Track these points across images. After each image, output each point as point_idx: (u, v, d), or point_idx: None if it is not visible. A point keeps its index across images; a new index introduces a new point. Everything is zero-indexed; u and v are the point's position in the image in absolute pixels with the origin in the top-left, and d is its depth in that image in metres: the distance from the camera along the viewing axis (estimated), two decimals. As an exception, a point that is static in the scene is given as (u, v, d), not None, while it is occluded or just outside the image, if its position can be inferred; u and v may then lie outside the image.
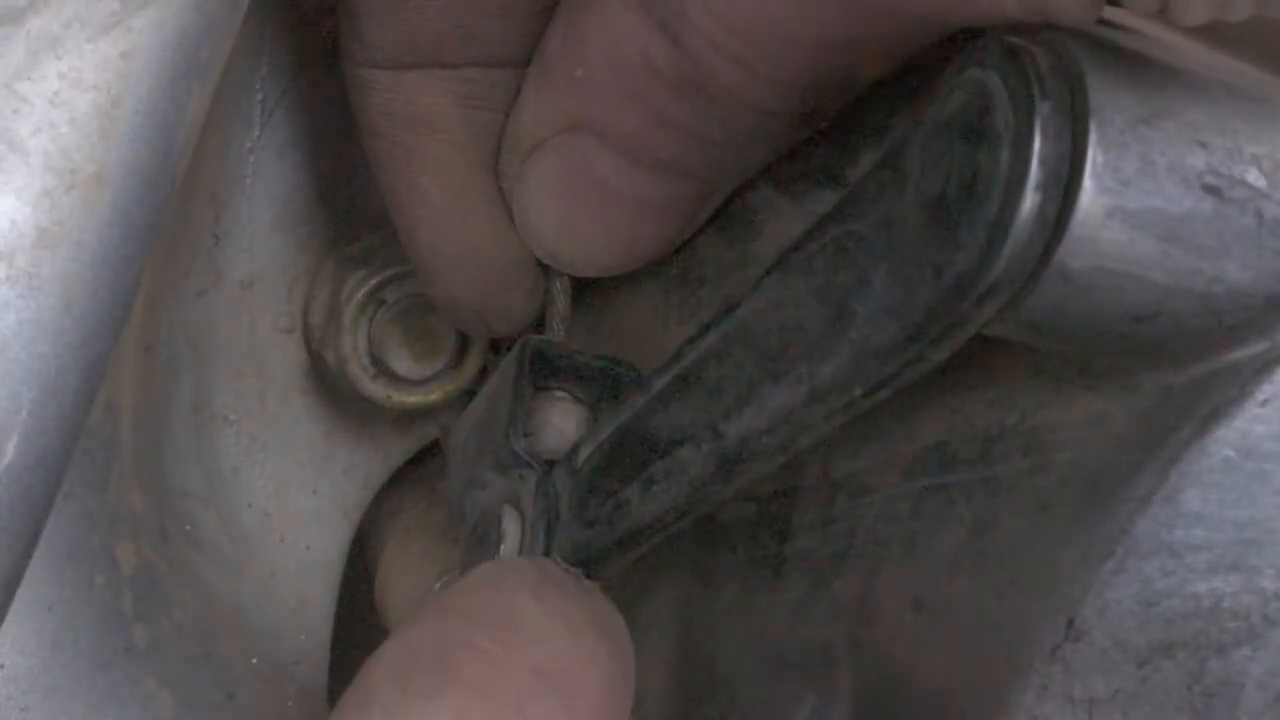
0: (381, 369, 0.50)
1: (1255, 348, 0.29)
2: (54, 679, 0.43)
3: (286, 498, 0.52)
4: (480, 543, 0.43)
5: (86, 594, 0.44)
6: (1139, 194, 0.28)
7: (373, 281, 0.50)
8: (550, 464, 0.41)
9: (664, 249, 0.42)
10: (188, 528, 0.50)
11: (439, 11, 0.41)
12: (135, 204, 0.34)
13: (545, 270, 0.45)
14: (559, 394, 0.44)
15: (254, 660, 0.50)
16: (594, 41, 0.38)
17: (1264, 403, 0.29)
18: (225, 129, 0.48)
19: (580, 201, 0.41)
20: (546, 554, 0.40)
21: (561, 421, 0.43)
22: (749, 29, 0.35)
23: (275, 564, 0.52)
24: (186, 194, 0.47)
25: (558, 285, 0.46)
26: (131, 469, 0.47)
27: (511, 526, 0.41)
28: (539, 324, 0.46)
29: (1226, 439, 0.29)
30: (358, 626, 0.54)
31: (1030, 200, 0.27)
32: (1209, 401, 0.30)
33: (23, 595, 0.36)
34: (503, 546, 0.41)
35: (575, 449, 0.41)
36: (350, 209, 0.51)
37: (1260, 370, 0.29)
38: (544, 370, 0.43)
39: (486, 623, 0.34)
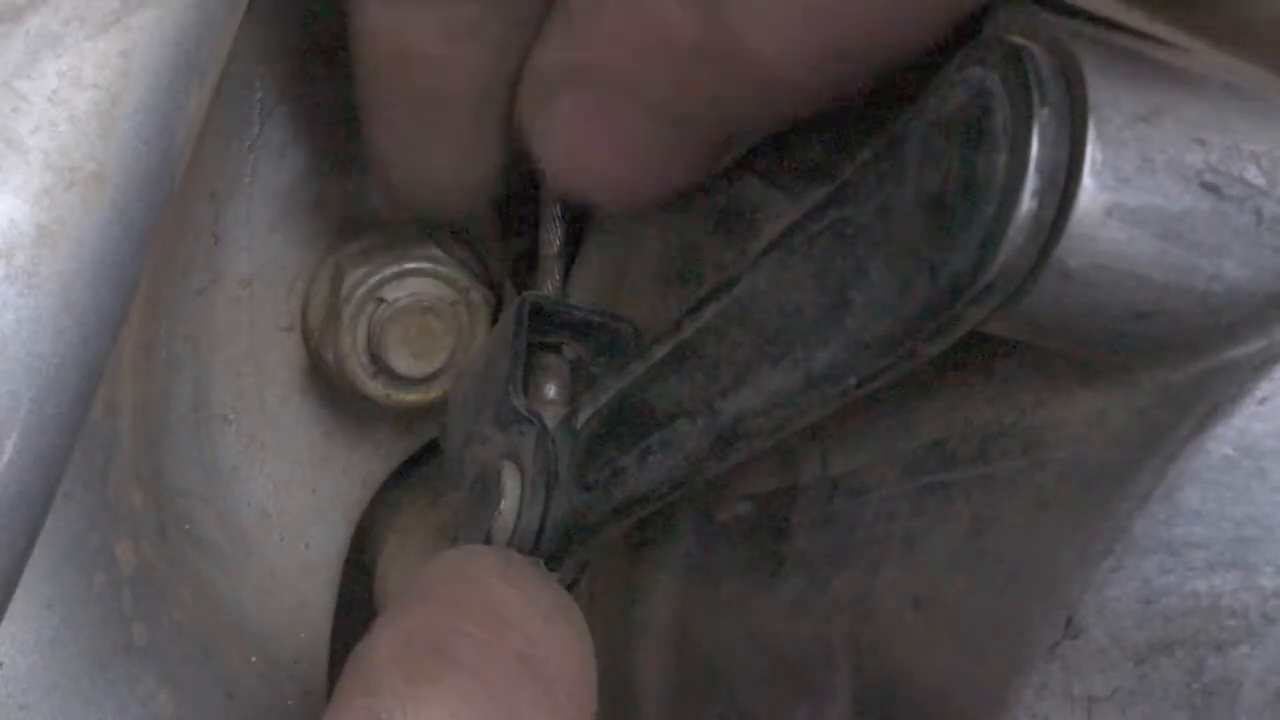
0: (380, 367, 0.50)
1: (1254, 345, 0.29)
2: (53, 677, 0.43)
3: (286, 496, 0.52)
4: (481, 498, 0.43)
5: (86, 592, 0.44)
6: (1138, 192, 0.28)
7: (372, 280, 0.50)
8: (548, 429, 0.42)
9: (679, 190, 0.42)
10: (187, 526, 0.50)
11: None
12: (134, 202, 0.34)
13: (541, 220, 0.46)
14: (557, 351, 0.44)
15: (253, 658, 0.50)
16: (612, 4, 0.38)
17: (1263, 400, 0.29)
18: (225, 128, 0.48)
19: (598, 143, 0.41)
20: (545, 513, 0.41)
21: (559, 378, 0.44)
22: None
23: (275, 563, 0.52)
24: (186, 192, 0.48)
25: (554, 233, 0.46)
26: (131, 467, 0.47)
27: (511, 482, 0.42)
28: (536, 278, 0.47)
29: (1225, 437, 0.29)
30: (357, 625, 0.54)
31: (1026, 206, 0.27)
32: (1208, 399, 0.29)
33: (22, 593, 0.36)
34: (503, 503, 0.42)
35: (575, 410, 0.41)
36: (349, 208, 0.51)
37: (1259, 368, 0.29)
38: (542, 325, 0.44)
39: (471, 610, 0.35)
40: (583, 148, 0.41)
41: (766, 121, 0.39)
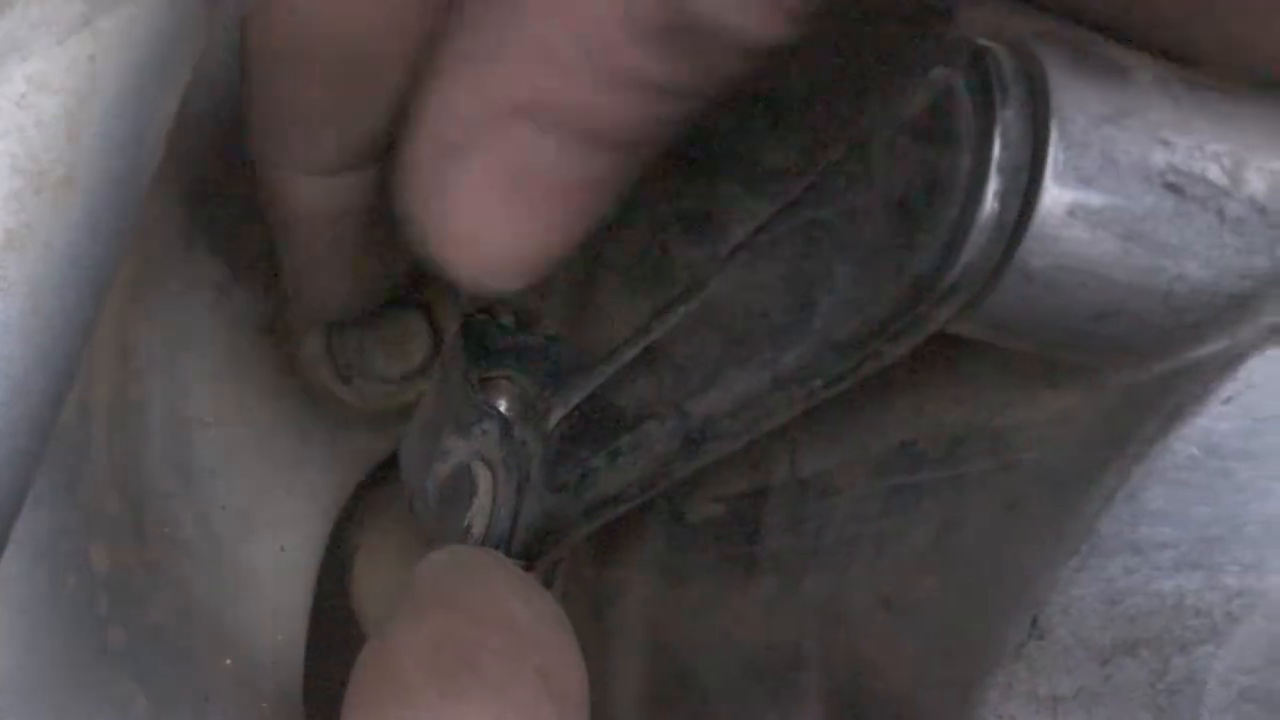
0: (356, 369, 0.50)
1: (1218, 345, 0.29)
2: (28, 681, 0.43)
3: (262, 498, 0.52)
4: (452, 497, 0.43)
5: (60, 596, 0.44)
6: (1100, 193, 0.28)
7: (348, 282, 0.50)
8: (508, 419, 0.42)
9: (590, 234, 0.38)
10: (164, 529, 0.50)
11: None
12: (105, 206, 0.34)
13: None
14: (500, 376, 0.44)
15: (229, 661, 0.50)
16: (541, 6, 0.34)
17: (1227, 400, 0.29)
18: (199, 129, 0.48)
19: (519, 208, 0.36)
20: (517, 511, 0.41)
21: (508, 395, 0.44)
22: None
23: (251, 565, 0.52)
24: (160, 195, 0.47)
25: None
26: (106, 471, 0.47)
27: (483, 472, 0.42)
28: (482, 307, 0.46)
29: (1190, 437, 0.29)
30: (334, 627, 0.54)
31: (989, 207, 0.28)
32: (1172, 399, 0.30)
33: (-6, 598, 0.36)
34: (475, 498, 0.42)
35: (547, 412, 0.41)
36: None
37: (1223, 368, 0.29)
38: (485, 351, 0.44)
39: (491, 621, 0.35)
40: (499, 212, 0.36)
41: (695, 116, 0.35)
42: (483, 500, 0.42)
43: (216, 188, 0.49)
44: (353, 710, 0.33)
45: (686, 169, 0.42)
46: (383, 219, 0.39)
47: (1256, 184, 0.28)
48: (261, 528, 0.52)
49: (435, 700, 0.32)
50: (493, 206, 0.36)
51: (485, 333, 0.44)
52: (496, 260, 0.36)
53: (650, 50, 0.33)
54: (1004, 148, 0.28)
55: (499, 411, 0.42)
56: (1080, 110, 0.28)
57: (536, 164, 0.35)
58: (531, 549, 0.41)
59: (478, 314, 0.45)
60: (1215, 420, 0.29)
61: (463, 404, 0.42)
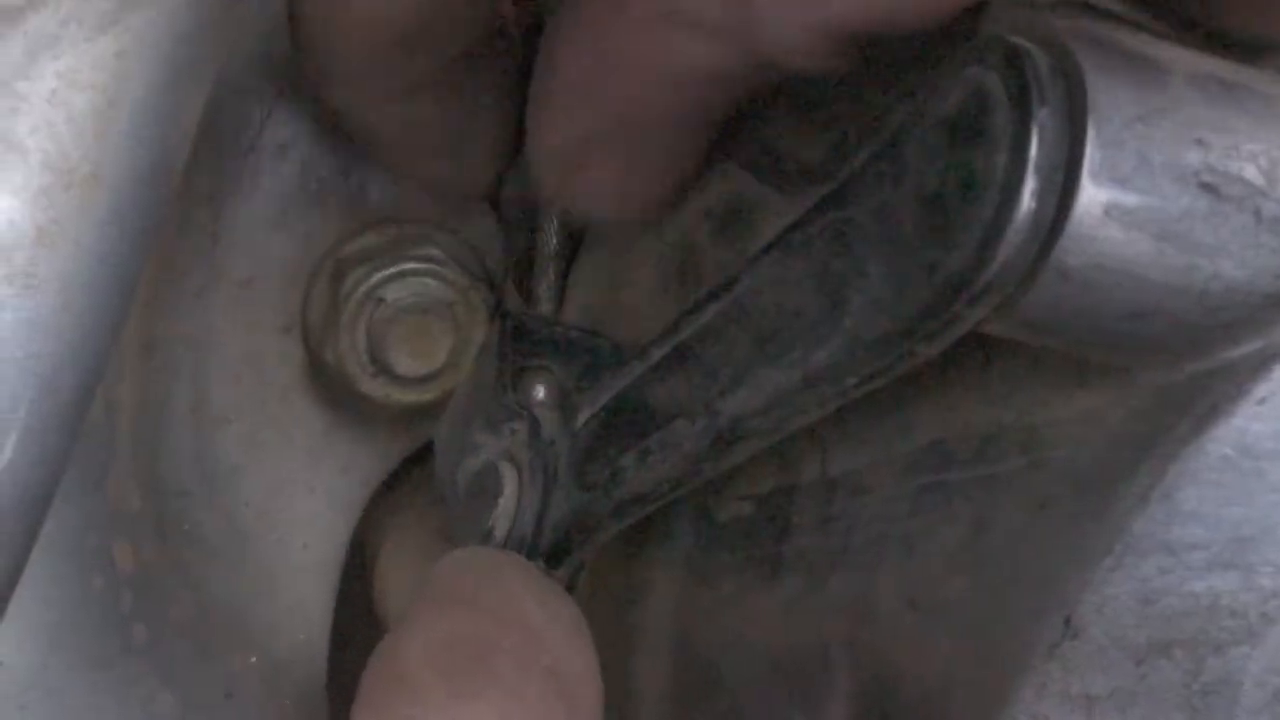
0: (380, 367, 0.50)
1: (1252, 346, 0.29)
2: (52, 678, 0.43)
3: (285, 497, 0.52)
4: (478, 497, 0.43)
5: (85, 593, 0.44)
6: (1136, 192, 0.28)
7: (371, 280, 0.50)
8: (539, 419, 0.42)
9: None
10: (186, 527, 0.50)
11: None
12: (132, 203, 0.34)
13: (539, 221, 0.46)
14: (542, 372, 0.44)
15: (253, 659, 0.50)
16: (626, 60, 0.38)
17: (1261, 401, 0.29)
18: (224, 128, 0.48)
19: (637, 146, 0.40)
20: (543, 511, 0.41)
21: (547, 385, 0.44)
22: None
23: (273, 563, 0.52)
24: (185, 193, 0.47)
25: (551, 233, 0.46)
26: (130, 468, 0.47)
27: (509, 479, 0.42)
28: (526, 299, 0.47)
29: (1224, 437, 0.29)
30: (356, 626, 0.54)
31: (1025, 206, 0.27)
32: (1206, 400, 0.29)
33: (21, 594, 0.36)
34: (500, 500, 0.42)
35: (575, 410, 0.41)
36: (349, 208, 0.51)
37: (1257, 368, 0.29)
38: (526, 345, 0.44)
39: (506, 621, 0.35)
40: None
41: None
42: (507, 503, 0.42)
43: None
44: (363, 707, 0.33)
45: (714, 167, 0.42)
46: None
47: (1293, 184, 0.28)
48: (283, 526, 0.52)
49: (445, 699, 0.32)
50: (617, 155, 0.40)
51: (526, 323, 0.44)
52: (622, 199, 0.41)
53: (723, 82, 0.37)
54: (1040, 147, 0.27)
55: (529, 412, 0.42)
56: (1116, 109, 0.28)
57: (640, 158, 0.40)
58: (559, 548, 0.41)
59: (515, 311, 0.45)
60: (1249, 420, 0.29)
61: (494, 400, 0.43)
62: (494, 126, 0.46)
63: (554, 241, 0.46)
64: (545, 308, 0.46)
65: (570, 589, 0.42)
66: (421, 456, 0.54)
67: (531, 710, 0.33)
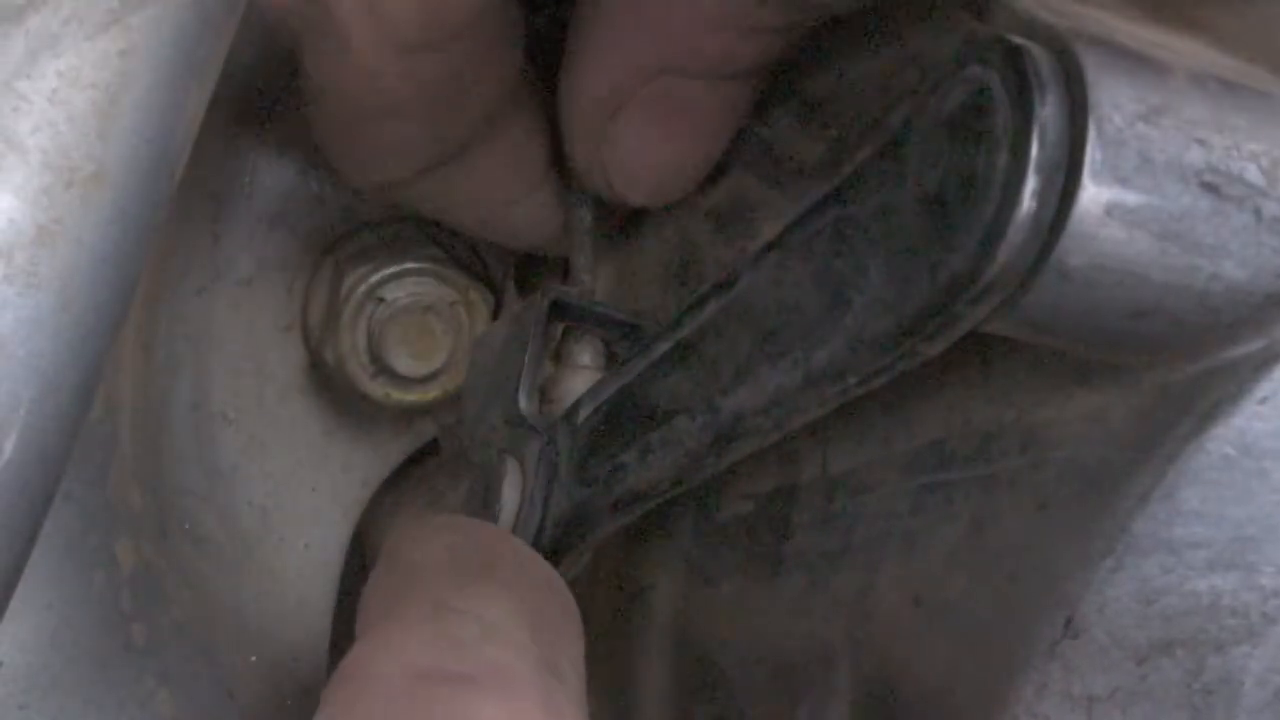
0: (380, 367, 0.50)
1: (1253, 345, 0.29)
2: (53, 676, 0.43)
3: (285, 496, 0.52)
4: (482, 494, 0.43)
5: (85, 592, 0.44)
6: (1137, 192, 0.28)
7: (372, 280, 0.50)
8: (553, 427, 0.42)
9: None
10: (186, 526, 0.50)
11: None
12: (134, 202, 0.34)
13: (567, 221, 0.46)
14: (575, 351, 0.45)
15: (253, 658, 0.50)
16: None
17: (1262, 400, 0.29)
18: (225, 127, 0.48)
19: (677, 134, 0.42)
20: (545, 510, 0.41)
21: (572, 382, 0.44)
22: None
23: (274, 562, 0.52)
24: (186, 192, 0.47)
25: (582, 227, 0.46)
26: (131, 467, 0.47)
27: (512, 480, 0.42)
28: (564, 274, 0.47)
29: (1225, 436, 0.29)
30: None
31: (1026, 205, 0.27)
32: (1207, 399, 0.29)
33: (22, 593, 0.35)
34: (503, 502, 0.42)
35: (576, 406, 0.41)
36: (349, 207, 0.51)
37: (1259, 368, 0.29)
38: (563, 320, 0.44)
39: (501, 539, 0.37)
40: (662, 148, 0.42)
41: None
42: (509, 504, 0.42)
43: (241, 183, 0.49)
44: (371, 604, 0.34)
45: (716, 167, 0.42)
46: None
47: (1294, 184, 0.28)
48: (284, 525, 0.52)
49: (453, 592, 0.33)
50: (655, 142, 0.42)
51: (570, 298, 0.44)
52: (661, 181, 0.43)
53: (774, 7, 0.38)
54: (1042, 146, 0.27)
55: (544, 426, 0.42)
56: (1117, 109, 0.28)
57: (686, 105, 0.41)
58: (559, 543, 0.41)
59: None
60: (1250, 420, 0.29)
61: (513, 398, 0.43)
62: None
63: (589, 218, 0.46)
64: (583, 283, 0.46)
65: (571, 584, 0.42)
66: (421, 455, 0.54)
67: (535, 610, 0.34)
